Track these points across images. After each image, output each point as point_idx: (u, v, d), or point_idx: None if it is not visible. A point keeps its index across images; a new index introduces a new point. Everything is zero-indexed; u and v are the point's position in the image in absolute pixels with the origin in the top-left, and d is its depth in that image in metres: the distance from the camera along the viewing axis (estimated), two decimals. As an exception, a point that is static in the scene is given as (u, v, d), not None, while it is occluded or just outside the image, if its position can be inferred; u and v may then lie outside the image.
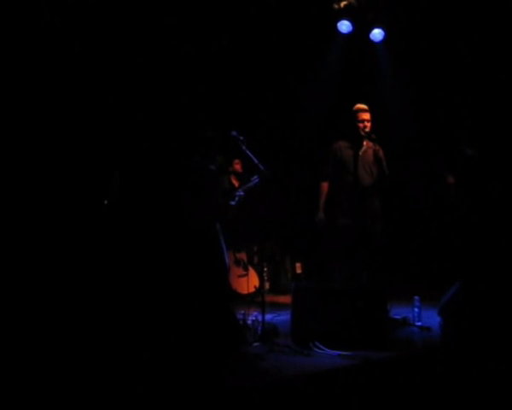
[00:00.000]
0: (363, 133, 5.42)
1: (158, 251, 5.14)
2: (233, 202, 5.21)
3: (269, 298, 6.53)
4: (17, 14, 5.43)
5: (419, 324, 5.22)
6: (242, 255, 6.97)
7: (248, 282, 6.70)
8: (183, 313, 4.45)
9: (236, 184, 6.90)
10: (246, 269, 6.86)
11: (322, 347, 4.47)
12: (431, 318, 5.27)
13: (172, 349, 4.11)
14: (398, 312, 5.44)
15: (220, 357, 4.17)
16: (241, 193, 5.26)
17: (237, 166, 7.03)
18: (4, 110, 5.34)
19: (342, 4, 6.77)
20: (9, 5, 5.39)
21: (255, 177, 5.13)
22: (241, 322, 4.88)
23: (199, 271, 4.76)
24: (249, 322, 4.96)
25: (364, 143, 5.51)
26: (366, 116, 5.43)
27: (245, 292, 6.71)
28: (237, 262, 6.82)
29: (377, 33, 6.96)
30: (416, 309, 5.25)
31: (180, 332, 4.27)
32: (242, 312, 5.07)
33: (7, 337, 4.07)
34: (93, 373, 3.67)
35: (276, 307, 6.35)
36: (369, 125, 5.42)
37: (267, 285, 7.51)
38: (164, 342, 4.18)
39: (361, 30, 7.01)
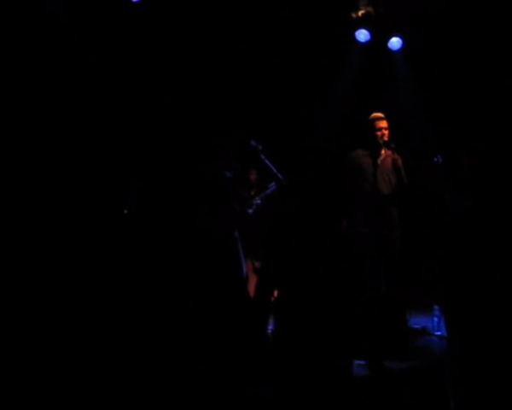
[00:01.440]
0: (381, 142, 5.41)
1: (175, 259, 5.15)
2: (251, 211, 5.20)
3: (287, 307, 6.51)
4: (18, 15, 5.49)
5: (439, 333, 5.19)
6: (259, 264, 6.96)
7: (266, 290, 6.68)
8: (199, 323, 4.46)
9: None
10: (263, 277, 6.84)
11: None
12: (451, 327, 5.23)
13: (190, 359, 4.12)
14: (417, 321, 5.41)
15: (239, 366, 4.17)
16: (259, 201, 5.24)
17: (252, 177, 6.97)
18: (19, 121, 5.40)
19: (360, 13, 6.77)
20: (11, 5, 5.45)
21: (272, 184, 5.13)
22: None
23: (216, 279, 4.77)
24: (269, 331, 4.96)
25: (383, 151, 5.50)
26: (383, 124, 5.42)
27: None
28: (256, 271, 6.81)
29: (395, 42, 6.95)
30: (436, 319, 5.22)
31: (198, 342, 4.28)
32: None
33: (9, 337, 4.10)
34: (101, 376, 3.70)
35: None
36: (386, 132, 5.41)
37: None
38: (181, 351, 4.19)
39: (379, 39, 7.00)
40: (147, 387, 3.69)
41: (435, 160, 5.45)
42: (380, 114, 5.48)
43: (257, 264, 6.70)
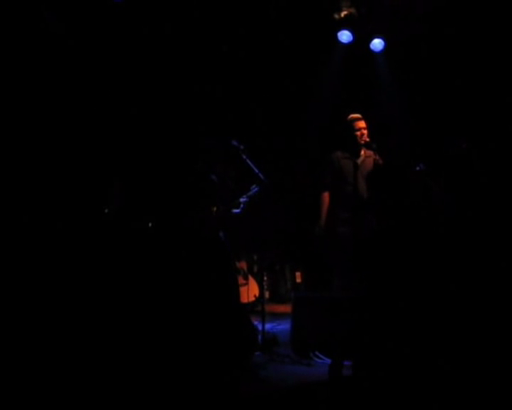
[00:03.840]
0: (361, 142, 5.41)
1: (161, 258, 5.12)
2: (237, 211, 5.17)
3: (268, 307, 6.53)
4: (17, 16, 5.45)
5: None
6: (242, 264, 6.97)
7: (248, 291, 6.70)
8: (193, 320, 4.40)
9: None
10: (246, 278, 6.86)
11: (321, 356, 4.47)
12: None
13: (185, 356, 4.08)
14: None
15: (234, 362, 4.15)
16: (245, 199, 5.20)
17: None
18: (6, 119, 5.36)
19: (342, 14, 6.78)
20: (10, 7, 5.41)
21: (254, 186, 5.12)
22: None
23: (211, 278, 4.72)
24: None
25: (363, 152, 5.51)
26: (362, 124, 5.43)
27: (245, 301, 6.70)
28: (237, 271, 6.81)
29: (377, 43, 6.98)
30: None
31: (192, 338, 4.23)
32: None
33: (8, 338, 4.06)
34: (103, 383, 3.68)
35: (276, 316, 6.36)
36: (366, 132, 5.41)
37: (267, 294, 7.50)
38: (176, 350, 4.15)
39: (361, 40, 7.02)
40: (136, 383, 3.68)
41: (418, 168, 5.44)
42: (357, 115, 5.49)
43: (238, 264, 6.69)
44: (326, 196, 5.55)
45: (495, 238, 4.94)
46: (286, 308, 6.64)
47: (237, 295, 4.99)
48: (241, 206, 5.33)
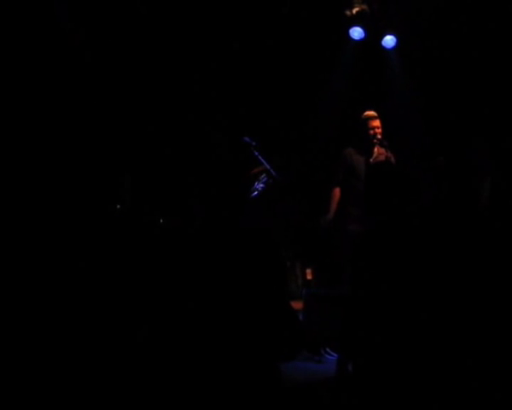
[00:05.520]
0: (374, 141, 5.41)
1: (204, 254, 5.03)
2: (255, 194, 5.14)
3: (279, 304, 6.52)
4: (20, 15, 5.47)
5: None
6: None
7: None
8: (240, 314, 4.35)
9: None
10: (256, 275, 6.84)
11: (333, 353, 4.47)
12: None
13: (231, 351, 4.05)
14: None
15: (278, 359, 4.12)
16: (256, 193, 5.17)
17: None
18: (14, 115, 5.37)
19: (354, 11, 6.77)
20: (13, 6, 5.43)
21: (263, 175, 5.09)
22: None
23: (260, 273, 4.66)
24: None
25: (375, 149, 5.50)
26: (376, 123, 5.42)
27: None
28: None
29: (389, 40, 6.96)
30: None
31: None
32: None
33: (7, 337, 4.06)
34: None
35: (287, 312, 6.35)
36: (379, 131, 5.41)
37: (277, 291, 7.49)
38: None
39: (373, 36, 7.00)
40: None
41: (438, 160, 5.44)
42: (373, 113, 5.48)
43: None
44: (337, 191, 5.55)
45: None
46: (297, 305, 6.62)
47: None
48: (256, 192, 5.31)
